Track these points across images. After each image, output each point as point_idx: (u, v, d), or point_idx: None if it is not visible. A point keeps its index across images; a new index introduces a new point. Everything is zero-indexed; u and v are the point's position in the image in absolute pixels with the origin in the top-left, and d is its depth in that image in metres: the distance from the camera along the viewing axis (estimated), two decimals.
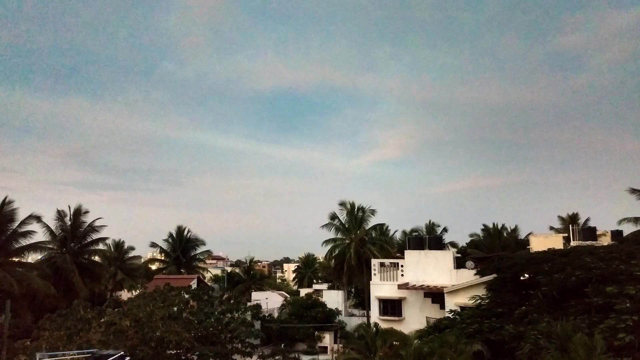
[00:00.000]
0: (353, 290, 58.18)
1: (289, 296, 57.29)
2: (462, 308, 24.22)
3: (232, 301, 27.67)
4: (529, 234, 44.23)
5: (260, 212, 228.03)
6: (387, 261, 35.43)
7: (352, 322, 43.77)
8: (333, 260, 48.44)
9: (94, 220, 40.77)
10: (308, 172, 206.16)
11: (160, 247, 54.79)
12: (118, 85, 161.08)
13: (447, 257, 32.36)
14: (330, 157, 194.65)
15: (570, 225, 39.38)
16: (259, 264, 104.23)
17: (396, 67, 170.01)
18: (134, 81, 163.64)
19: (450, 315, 23.43)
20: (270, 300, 47.48)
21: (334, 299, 49.10)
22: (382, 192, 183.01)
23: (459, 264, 31.87)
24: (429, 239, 35.42)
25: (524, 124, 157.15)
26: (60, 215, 39.57)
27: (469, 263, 30.43)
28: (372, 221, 46.88)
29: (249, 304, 30.17)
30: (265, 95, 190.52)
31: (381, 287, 33.17)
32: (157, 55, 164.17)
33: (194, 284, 37.12)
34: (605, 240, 32.44)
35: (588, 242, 29.12)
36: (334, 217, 46.22)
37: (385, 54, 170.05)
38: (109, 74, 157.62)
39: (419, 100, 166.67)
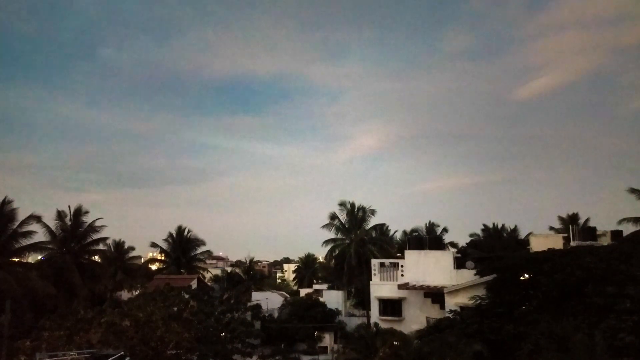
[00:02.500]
0: (353, 290, 58.17)
1: (289, 296, 57.33)
2: (462, 308, 24.20)
3: (232, 301, 27.69)
4: (529, 234, 44.24)
5: (260, 212, 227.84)
6: (387, 261, 35.45)
7: (352, 322, 43.77)
8: (333, 261, 48.47)
9: (94, 221, 40.74)
10: (286, 168, 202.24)
11: (161, 247, 54.72)
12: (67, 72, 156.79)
13: (447, 257, 32.36)
14: (303, 153, 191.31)
15: (570, 225, 39.37)
16: (259, 264, 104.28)
17: (359, 55, 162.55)
18: (78, 67, 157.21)
19: (450, 315, 23.44)
20: (270, 300, 47.47)
21: (334, 299, 49.11)
22: (362, 188, 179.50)
23: (459, 264, 31.85)
24: (428, 239, 35.43)
25: (516, 119, 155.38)
26: (60, 215, 39.52)
27: (469, 263, 30.42)
28: (372, 221, 46.98)
29: (249, 304, 30.18)
30: (219, 86, 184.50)
31: (381, 287, 33.17)
32: (95, 41, 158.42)
33: (194, 284, 37.09)
34: (605, 240, 32.41)
35: (588, 242, 29.11)
36: (334, 217, 46.26)
37: (344, 40, 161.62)
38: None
39: (389, 92, 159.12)
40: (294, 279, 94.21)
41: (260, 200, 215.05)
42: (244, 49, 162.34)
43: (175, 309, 23.73)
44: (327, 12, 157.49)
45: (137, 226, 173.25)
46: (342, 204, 46.52)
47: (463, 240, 57.02)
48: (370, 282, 34.21)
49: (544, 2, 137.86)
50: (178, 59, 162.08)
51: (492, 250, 45.46)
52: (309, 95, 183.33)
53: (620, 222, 35.45)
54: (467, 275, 28.66)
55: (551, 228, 50.48)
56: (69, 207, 40.11)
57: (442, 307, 28.43)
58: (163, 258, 56.42)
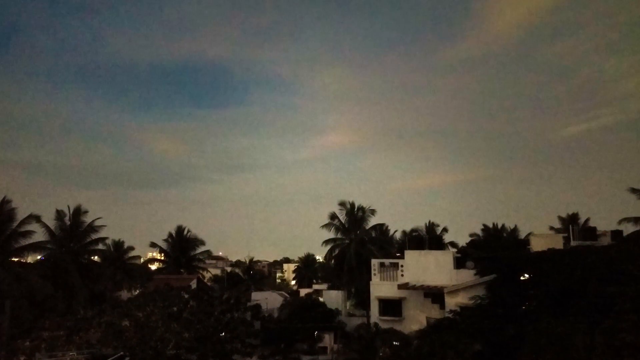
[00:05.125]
0: (353, 290, 58.14)
1: (288, 296, 57.25)
2: (462, 308, 24.17)
3: (231, 301, 27.65)
4: (529, 234, 44.21)
5: (260, 211, 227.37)
6: (387, 261, 35.46)
7: (352, 323, 43.67)
8: (333, 261, 48.43)
9: (93, 220, 40.68)
10: (274, 165, 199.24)
11: (160, 247, 54.68)
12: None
13: (447, 257, 32.36)
14: (283, 149, 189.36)
15: (570, 225, 39.39)
16: (259, 264, 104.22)
17: (324, 39, 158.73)
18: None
19: (450, 315, 23.41)
20: (270, 300, 47.41)
21: (334, 299, 49.01)
22: (351, 186, 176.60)
23: (459, 264, 31.84)
24: (428, 238, 35.42)
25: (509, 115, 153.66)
26: (60, 215, 39.49)
27: (469, 263, 30.43)
28: (372, 221, 46.96)
29: (248, 304, 30.15)
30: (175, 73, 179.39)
31: (381, 287, 33.17)
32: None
33: (193, 284, 37.05)
34: (605, 240, 32.40)
35: (588, 242, 29.11)
36: (333, 216, 46.21)
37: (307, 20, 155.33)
38: None
39: (360, 81, 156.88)
40: (293, 278, 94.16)
41: (260, 199, 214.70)
42: (191, 32, 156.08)
43: (175, 308, 23.71)
44: None
45: (136, 226, 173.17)
46: (342, 204, 46.51)
47: (463, 240, 57.07)
48: (370, 282, 34.19)
49: None
50: (112, 44, 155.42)
51: (492, 250, 45.49)
52: (273, 86, 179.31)
53: (620, 222, 35.44)
54: (467, 275, 28.66)
55: (551, 228, 50.46)
56: (68, 206, 40.11)
57: (442, 307, 28.41)
58: (162, 258, 56.41)
